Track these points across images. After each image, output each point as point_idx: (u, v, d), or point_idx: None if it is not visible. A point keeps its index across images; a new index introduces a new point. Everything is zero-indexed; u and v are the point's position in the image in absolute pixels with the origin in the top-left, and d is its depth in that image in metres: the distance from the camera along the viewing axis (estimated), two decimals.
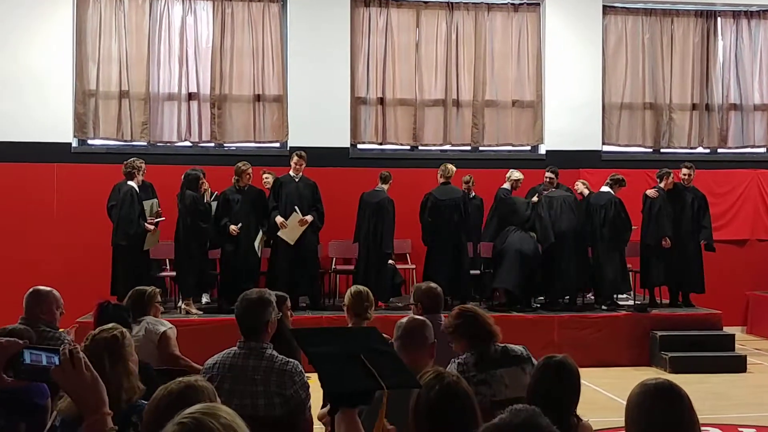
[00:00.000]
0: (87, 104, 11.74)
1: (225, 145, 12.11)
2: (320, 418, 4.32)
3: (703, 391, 8.20)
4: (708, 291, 10.81)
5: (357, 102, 12.33)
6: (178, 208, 9.86)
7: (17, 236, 11.17)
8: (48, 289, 5.28)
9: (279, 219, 9.92)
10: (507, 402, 3.81)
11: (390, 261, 10.48)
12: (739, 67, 13.09)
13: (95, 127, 11.78)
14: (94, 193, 10.61)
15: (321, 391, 2.52)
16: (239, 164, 10.11)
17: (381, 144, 12.43)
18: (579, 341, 9.66)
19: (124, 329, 3.33)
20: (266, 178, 10.82)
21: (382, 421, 2.40)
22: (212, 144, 12.11)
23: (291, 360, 4.03)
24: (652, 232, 10.60)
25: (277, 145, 12.18)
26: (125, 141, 11.85)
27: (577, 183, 11.05)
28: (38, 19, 11.49)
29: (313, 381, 2.79)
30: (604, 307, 10.56)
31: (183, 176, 9.99)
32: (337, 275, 11.04)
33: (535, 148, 12.70)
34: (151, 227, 9.63)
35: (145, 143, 11.89)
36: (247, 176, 10.06)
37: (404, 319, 4.02)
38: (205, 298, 10.57)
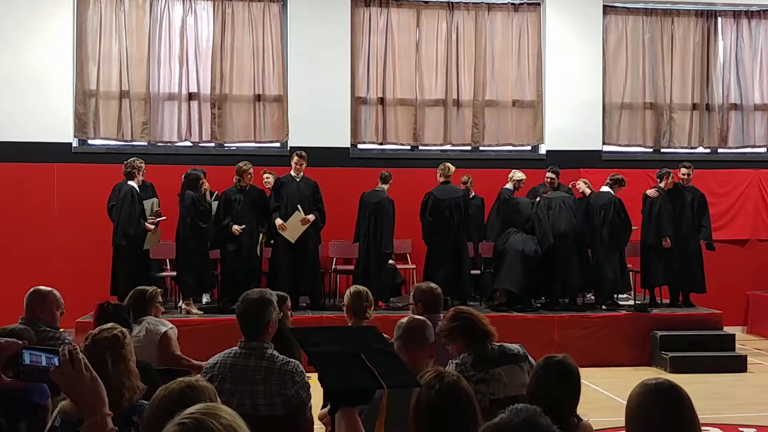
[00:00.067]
0: (87, 104, 11.74)
1: (225, 145, 12.11)
2: (321, 418, 4.32)
3: (704, 391, 8.22)
4: (708, 291, 10.80)
5: (357, 102, 12.33)
6: (178, 208, 9.87)
7: (17, 236, 11.17)
8: (48, 289, 5.27)
9: (278, 221, 9.93)
10: (506, 400, 3.84)
11: (390, 261, 10.48)
12: (739, 67, 13.09)
13: (95, 127, 11.79)
14: (95, 193, 10.62)
15: (321, 391, 2.52)
16: (240, 164, 10.10)
17: (381, 144, 12.44)
18: (579, 341, 9.66)
19: (124, 329, 3.33)
20: (267, 178, 10.82)
21: (383, 422, 2.40)
22: (212, 144, 12.11)
23: (292, 360, 4.03)
24: (652, 232, 10.60)
25: (278, 145, 12.18)
26: (125, 141, 11.85)
27: (578, 182, 11.03)
28: (39, 19, 11.49)
29: (314, 381, 2.79)
30: (604, 307, 10.56)
31: (183, 176, 9.99)
32: (338, 275, 11.04)
33: (535, 148, 12.70)
34: (152, 227, 9.63)
35: (146, 143, 11.89)
36: (249, 176, 10.06)
37: (404, 319, 4.02)
38: (205, 298, 10.57)
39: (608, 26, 12.86)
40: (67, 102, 11.57)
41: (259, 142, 12.15)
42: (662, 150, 12.96)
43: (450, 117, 12.49)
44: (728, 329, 10.63)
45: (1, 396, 3.32)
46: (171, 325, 5.97)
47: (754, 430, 7.38)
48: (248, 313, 4.08)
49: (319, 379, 2.28)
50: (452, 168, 10.49)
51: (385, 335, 2.69)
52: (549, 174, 10.88)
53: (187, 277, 9.88)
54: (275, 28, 12.16)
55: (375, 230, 10.21)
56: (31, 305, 5.16)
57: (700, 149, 13.07)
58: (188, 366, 5.52)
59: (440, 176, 10.46)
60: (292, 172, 10.27)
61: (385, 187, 10.43)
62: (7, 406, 3.47)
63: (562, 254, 10.15)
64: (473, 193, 11.23)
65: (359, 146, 12.41)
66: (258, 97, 12.14)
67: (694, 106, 13.02)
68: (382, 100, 12.39)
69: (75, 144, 11.72)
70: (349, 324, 5.23)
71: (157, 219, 9.76)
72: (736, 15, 13.14)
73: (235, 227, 9.77)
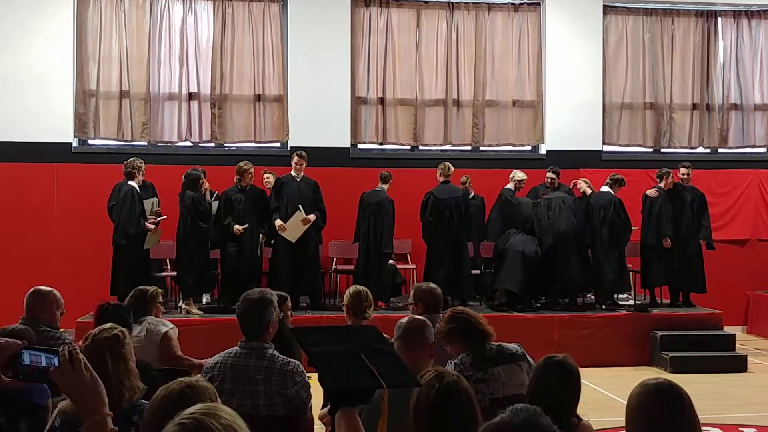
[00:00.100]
0: (87, 104, 11.74)
1: (225, 145, 12.11)
2: (321, 418, 4.33)
3: (704, 391, 8.22)
4: (708, 291, 10.80)
5: (357, 102, 12.33)
6: (179, 208, 9.87)
7: (18, 236, 11.17)
8: (48, 289, 5.27)
9: (278, 222, 9.93)
10: (506, 399, 3.85)
11: (390, 261, 10.48)
12: (739, 66, 13.10)
13: (96, 127, 11.78)
14: (95, 193, 10.62)
15: (321, 390, 2.52)
16: (241, 164, 10.10)
17: (381, 144, 12.43)
18: (579, 341, 9.66)
19: (124, 329, 3.33)
20: (267, 177, 10.83)
21: (384, 423, 2.40)
22: (212, 144, 12.11)
23: (292, 360, 4.03)
24: (652, 232, 10.60)
25: (278, 145, 12.18)
26: (126, 141, 11.85)
27: (579, 181, 11.02)
28: (39, 19, 11.49)
29: (314, 381, 2.79)
30: (604, 307, 10.56)
31: (183, 176, 9.99)
32: (338, 275, 11.04)
33: (535, 148, 12.70)
34: (152, 227, 9.63)
35: (146, 143, 11.89)
36: (249, 176, 10.07)
37: (404, 319, 4.02)
38: (205, 298, 10.57)
39: (608, 26, 12.86)
40: (67, 102, 11.57)
41: (259, 142, 12.15)
42: (662, 150, 12.96)
43: (450, 117, 12.49)
44: (728, 329, 10.63)
45: (1, 396, 3.32)
46: (172, 326, 5.96)
47: (755, 430, 7.38)
48: (249, 313, 4.08)
49: (319, 379, 2.28)
50: (452, 167, 10.49)
51: (385, 335, 2.69)
52: (549, 174, 10.88)
53: (187, 277, 9.87)
54: (275, 28, 12.16)
55: (375, 230, 10.21)
56: (31, 305, 5.16)
57: (701, 149, 13.07)
58: (190, 366, 5.52)
59: (440, 176, 10.45)
60: (293, 172, 10.27)
61: (385, 187, 10.43)
62: (7, 406, 3.47)
63: (562, 254, 10.15)
64: (473, 193, 11.22)
65: (359, 146, 12.41)
66: (258, 97, 12.14)
67: (695, 106, 13.01)
68: (382, 100, 12.39)
69: (75, 144, 11.72)
70: (349, 324, 5.23)
71: (158, 218, 9.76)
72: (736, 15, 13.14)
73: (237, 227, 9.78)
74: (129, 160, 9.94)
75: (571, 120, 12.40)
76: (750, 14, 13.14)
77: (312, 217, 9.96)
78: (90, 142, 11.91)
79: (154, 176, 10.41)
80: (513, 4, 12.69)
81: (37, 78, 11.42)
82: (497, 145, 12.62)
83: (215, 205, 10.16)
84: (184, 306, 9.89)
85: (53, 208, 11.43)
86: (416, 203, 10.43)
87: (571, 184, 11.03)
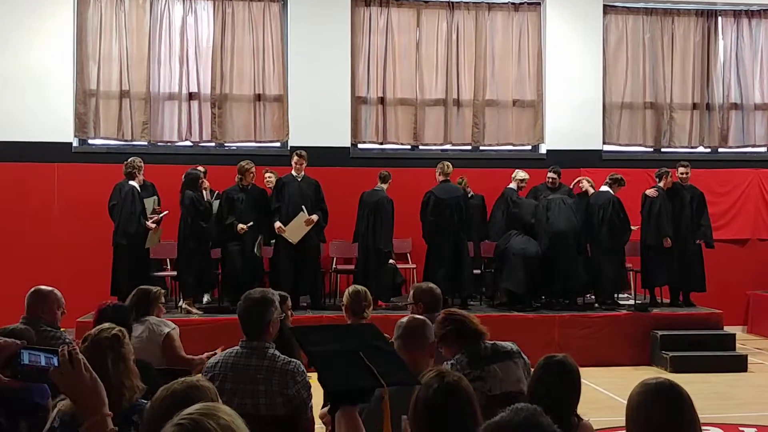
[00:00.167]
0: (88, 104, 11.74)
1: (225, 144, 12.11)
2: (321, 418, 4.33)
3: (704, 390, 8.21)
4: (709, 290, 10.80)
5: (357, 102, 12.33)
6: (180, 208, 9.87)
7: (18, 236, 11.17)
8: (49, 288, 5.27)
9: (278, 224, 9.92)
10: (503, 396, 3.87)
11: (390, 261, 10.48)
12: (739, 66, 13.09)
13: (96, 127, 11.78)
14: (95, 193, 10.62)
15: (322, 390, 2.52)
16: (243, 163, 10.10)
17: (381, 144, 12.43)
18: (579, 341, 9.66)
19: (123, 329, 3.32)
20: (269, 177, 10.84)
21: (388, 422, 2.39)
22: (213, 144, 12.10)
23: (293, 360, 4.03)
24: (652, 231, 10.59)
25: (278, 144, 12.18)
26: (126, 141, 11.85)
27: (582, 179, 11.01)
28: (39, 19, 11.48)
29: (314, 380, 2.79)
30: (604, 306, 10.55)
31: (183, 176, 9.99)
32: (338, 275, 11.04)
33: (535, 148, 12.70)
34: (153, 226, 9.63)
35: (146, 143, 11.89)
36: (251, 175, 10.07)
37: (404, 319, 4.02)
38: (206, 298, 10.57)
39: (608, 26, 12.86)
40: (67, 102, 11.57)
41: (260, 142, 12.15)
42: (662, 150, 12.96)
43: (450, 117, 12.48)
44: (728, 329, 10.63)
45: (1, 396, 3.32)
46: (173, 326, 5.94)
47: (755, 429, 7.38)
48: (250, 313, 4.08)
49: (319, 378, 2.28)
50: (451, 166, 10.48)
51: (385, 335, 2.69)
52: (550, 174, 10.88)
53: (187, 276, 9.87)
54: (275, 28, 12.16)
55: (374, 230, 10.21)
56: (32, 305, 5.16)
57: (701, 149, 13.07)
58: (195, 364, 5.49)
59: (439, 175, 10.45)
60: (293, 172, 10.27)
61: (385, 186, 10.42)
62: (7, 406, 3.47)
63: (562, 254, 10.14)
64: (471, 193, 11.21)
65: (359, 146, 12.40)
66: (258, 97, 12.13)
67: (695, 106, 13.01)
68: (382, 100, 12.38)
69: (75, 144, 11.72)
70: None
71: (159, 216, 9.76)
72: (737, 14, 13.13)
73: (240, 225, 9.78)
74: (129, 159, 9.95)
75: (571, 120, 12.39)
76: (750, 14, 13.13)
77: (315, 217, 9.96)
78: (90, 141, 11.91)
79: (154, 176, 10.41)
80: (513, 3, 12.68)
81: (37, 78, 11.42)
82: (497, 145, 12.61)
83: (216, 204, 10.16)
84: (184, 306, 9.89)
85: (53, 207, 11.43)
86: (416, 203, 10.43)
87: (574, 181, 11.03)
